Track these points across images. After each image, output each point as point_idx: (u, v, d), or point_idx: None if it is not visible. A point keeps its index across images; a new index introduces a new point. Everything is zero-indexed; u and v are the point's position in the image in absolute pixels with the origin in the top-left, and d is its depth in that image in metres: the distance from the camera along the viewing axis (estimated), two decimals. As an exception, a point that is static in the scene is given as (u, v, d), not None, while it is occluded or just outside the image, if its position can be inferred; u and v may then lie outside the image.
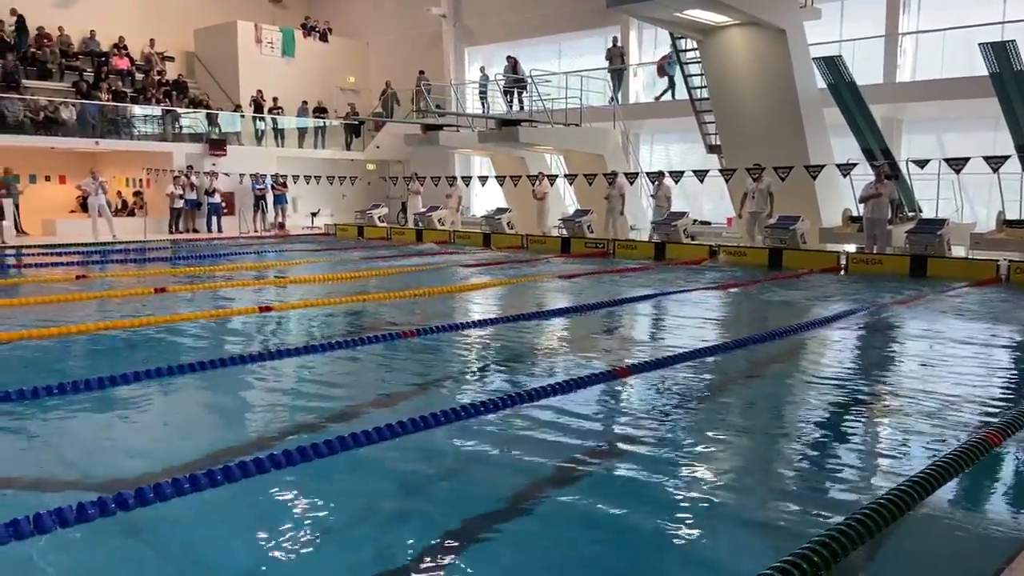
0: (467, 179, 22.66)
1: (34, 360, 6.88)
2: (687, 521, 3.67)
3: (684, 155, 21.68)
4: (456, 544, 3.40)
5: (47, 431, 4.96)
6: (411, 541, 3.42)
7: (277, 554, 3.31)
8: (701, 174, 16.75)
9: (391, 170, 26.37)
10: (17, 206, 19.40)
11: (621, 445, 4.75)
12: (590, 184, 18.65)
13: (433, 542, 3.39)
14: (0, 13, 22.41)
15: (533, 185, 19.80)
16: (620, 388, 6.04)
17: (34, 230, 20.02)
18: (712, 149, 18.59)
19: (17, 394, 5.34)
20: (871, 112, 15.75)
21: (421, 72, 24.72)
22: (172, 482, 3.72)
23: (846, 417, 5.47)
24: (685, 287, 11.94)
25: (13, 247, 17.41)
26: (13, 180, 19.39)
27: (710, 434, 4.98)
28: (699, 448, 4.75)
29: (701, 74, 17.78)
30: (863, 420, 5.46)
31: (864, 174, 15.51)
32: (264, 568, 3.22)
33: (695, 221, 18.55)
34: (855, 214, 15.92)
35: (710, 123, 18.26)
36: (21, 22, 22.59)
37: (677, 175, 17.47)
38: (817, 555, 2.86)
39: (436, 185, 22.27)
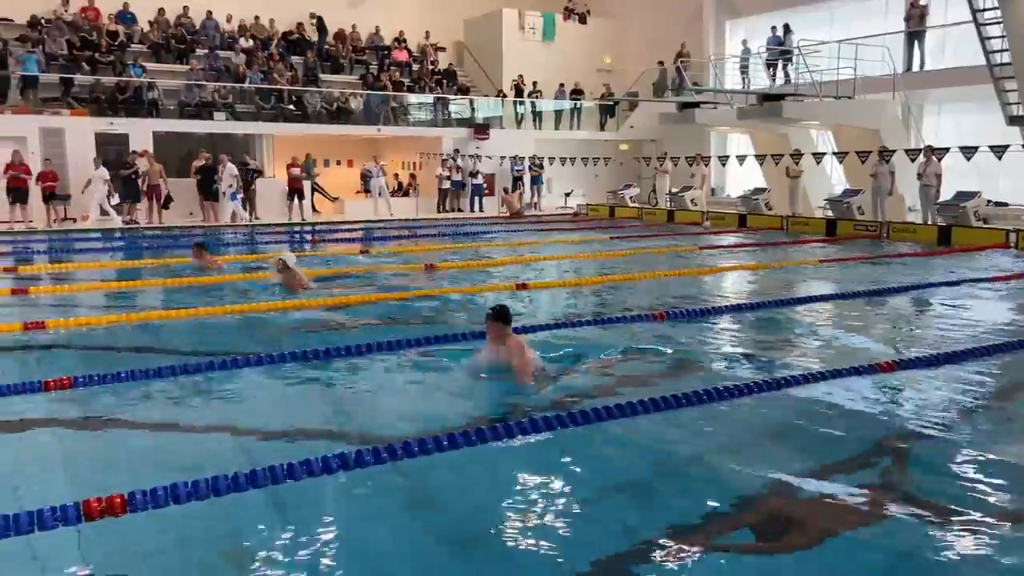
0: (724, 158, 21.90)
1: (326, 324, 7.76)
2: (975, 528, 3.30)
3: (979, 128, 19.16)
4: (692, 536, 3.35)
5: (335, 387, 5.60)
6: (658, 522, 3.42)
7: (513, 514, 3.48)
8: (999, 149, 14.74)
9: (644, 150, 26.21)
10: (315, 188, 21.98)
11: (883, 445, 4.37)
12: (863, 161, 17.18)
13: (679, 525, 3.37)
14: (301, 16, 25.39)
15: (796, 163, 18.67)
16: (885, 384, 5.55)
17: (325, 208, 22.57)
18: (1014, 121, 16.25)
19: (312, 354, 6.10)
20: None
21: (680, 50, 24.23)
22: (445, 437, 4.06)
23: None
24: (971, 276, 10.62)
25: (311, 224, 19.79)
26: (311, 164, 21.99)
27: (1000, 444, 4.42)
28: (987, 455, 4.24)
29: (1002, 36, 15.56)
30: None
31: None
32: (504, 524, 3.40)
33: (989, 202, 16.42)
34: None
35: (1012, 91, 15.94)
36: (321, 23, 25.45)
37: (970, 151, 15.52)
38: None
39: (676, 165, 21.79)
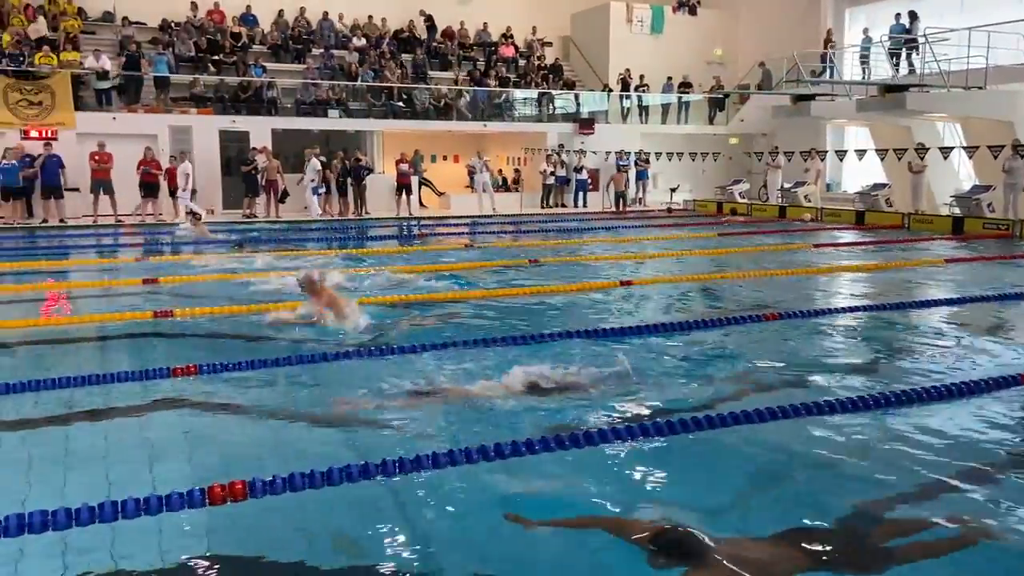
0: (841, 153, 20.98)
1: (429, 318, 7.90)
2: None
3: None
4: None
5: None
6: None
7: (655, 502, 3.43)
8: None
9: (755, 144, 25.41)
10: (423, 182, 22.43)
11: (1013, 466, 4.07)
12: (995, 157, 16.09)
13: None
14: (412, 14, 25.91)
15: (921, 158, 17.67)
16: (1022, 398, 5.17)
17: (432, 203, 22.99)
18: None
19: (420, 347, 6.22)
20: None
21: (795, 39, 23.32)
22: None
23: None
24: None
25: (416, 218, 20.22)
26: (419, 160, 22.44)
27: None
28: None
29: None
30: None
31: None
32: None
33: None
34: None
35: None
36: (431, 21, 25.93)
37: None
38: None
39: (789, 160, 20.98)
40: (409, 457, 3.81)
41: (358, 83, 22.18)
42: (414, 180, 21.05)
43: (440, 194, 23.10)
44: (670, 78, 25.79)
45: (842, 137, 23.99)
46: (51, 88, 18.03)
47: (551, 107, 25.02)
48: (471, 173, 22.32)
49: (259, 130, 20.13)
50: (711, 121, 25.92)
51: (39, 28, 20.14)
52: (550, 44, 28.06)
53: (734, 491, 3.86)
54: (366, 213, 20.14)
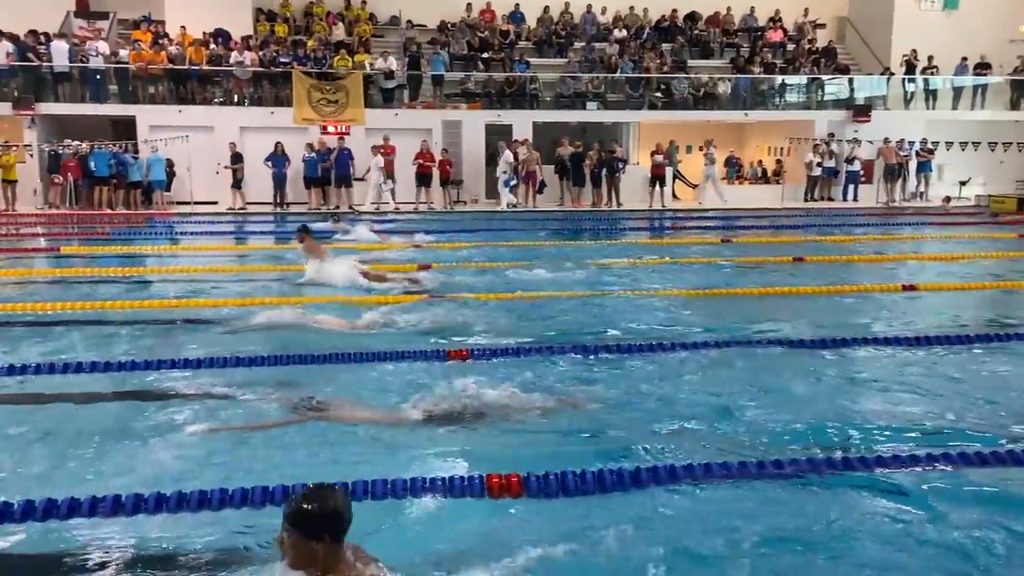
0: None
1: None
2: None
3: None
4: None
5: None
6: None
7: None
8: None
9: (1071, 132, 21.91)
10: (676, 175, 22.08)
11: None
12: None
13: None
14: (674, 2, 25.38)
15: None
16: None
17: (686, 196, 22.54)
18: None
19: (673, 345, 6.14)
20: None
21: None
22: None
23: None
24: None
25: (671, 211, 19.95)
26: (673, 151, 22.10)
27: None
28: None
29: None
30: None
31: None
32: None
33: None
34: None
35: None
36: (693, 9, 25.34)
37: None
38: None
39: None
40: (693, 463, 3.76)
41: (617, 74, 22.29)
42: (668, 171, 20.77)
43: (693, 186, 22.60)
44: (965, 59, 23.01)
45: None
46: (346, 87, 20.15)
47: (820, 93, 23.42)
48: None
49: (521, 123, 20.99)
50: (1015, 106, 22.77)
51: (338, 33, 22.60)
52: (823, 26, 26.22)
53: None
54: (618, 205, 20.25)
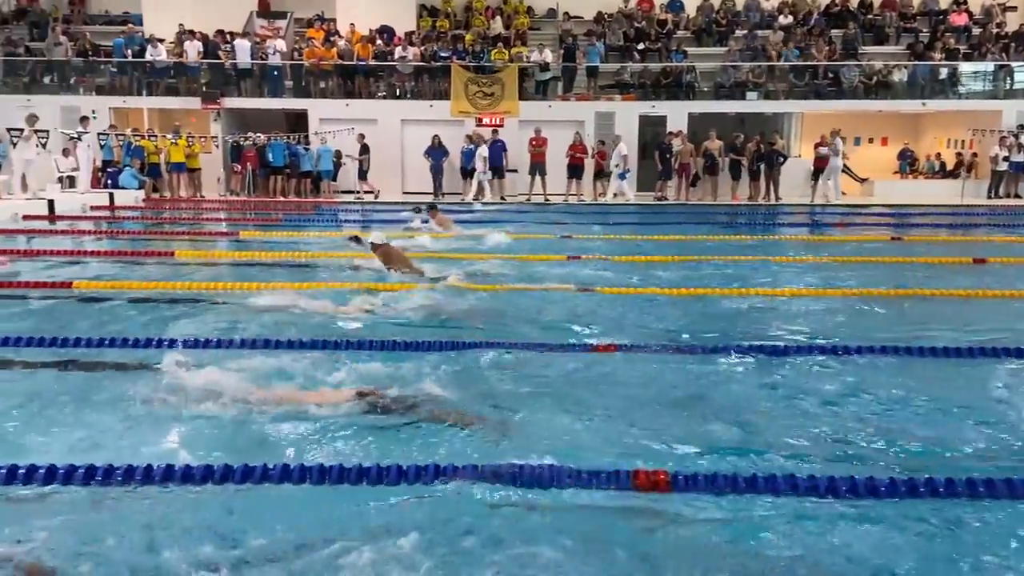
0: None
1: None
2: None
3: None
4: None
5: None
6: None
7: None
8: None
9: None
10: (844, 170, 20.83)
11: None
12: None
13: None
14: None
15: None
16: None
17: (852, 190, 21.24)
18: None
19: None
20: None
21: None
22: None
23: None
24: None
25: (834, 206, 18.88)
26: (839, 142, 20.81)
27: None
28: None
29: None
30: None
31: None
32: None
33: None
34: None
35: None
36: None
37: None
38: None
39: None
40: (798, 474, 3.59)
41: (779, 63, 21.34)
42: (832, 163, 19.53)
43: (862, 180, 21.29)
44: None
45: None
46: (502, 80, 20.50)
47: (1009, 81, 21.39)
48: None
49: (676, 114, 20.55)
50: None
51: (496, 27, 23.02)
52: (1013, 8, 23.96)
53: None
54: (777, 199, 19.42)
